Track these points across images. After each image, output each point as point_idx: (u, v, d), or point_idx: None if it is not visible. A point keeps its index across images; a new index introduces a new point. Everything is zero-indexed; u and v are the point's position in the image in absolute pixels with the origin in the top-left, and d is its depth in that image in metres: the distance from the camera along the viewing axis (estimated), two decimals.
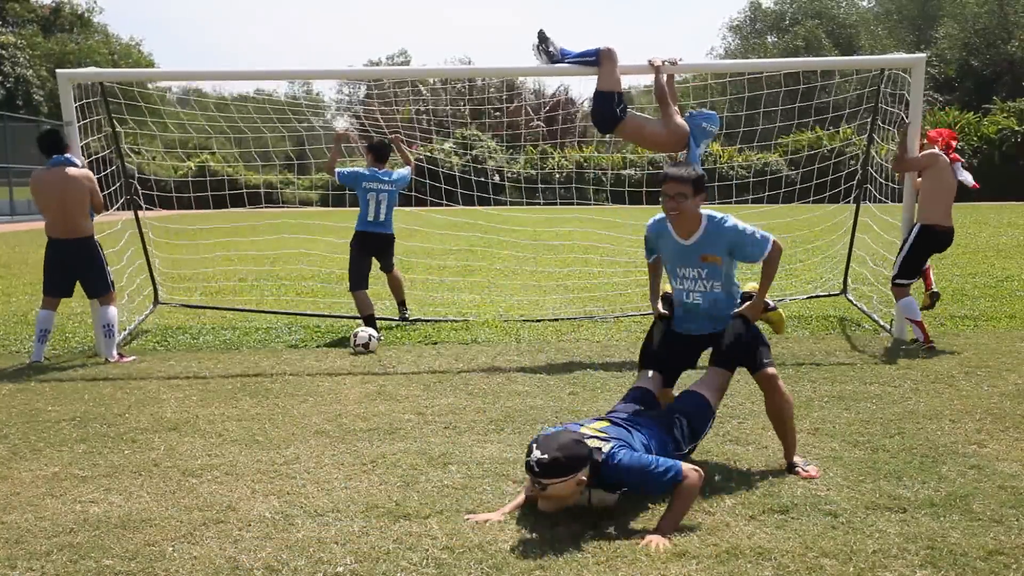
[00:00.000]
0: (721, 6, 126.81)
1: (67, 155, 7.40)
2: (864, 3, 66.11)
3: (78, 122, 7.67)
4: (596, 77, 7.20)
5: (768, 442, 4.78)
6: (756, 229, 4.39)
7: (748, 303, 4.49)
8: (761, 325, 4.67)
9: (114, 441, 5.06)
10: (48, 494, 4.21)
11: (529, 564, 3.34)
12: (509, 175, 30.93)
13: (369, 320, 8.27)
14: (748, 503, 3.95)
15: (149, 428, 5.32)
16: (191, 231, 12.26)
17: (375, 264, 8.73)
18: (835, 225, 10.90)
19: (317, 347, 7.96)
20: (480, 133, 29.64)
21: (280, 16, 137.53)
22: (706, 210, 4.43)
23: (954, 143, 7.70)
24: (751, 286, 4.75)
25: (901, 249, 7.64)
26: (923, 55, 7.94)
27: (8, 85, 43.00)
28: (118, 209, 8.91)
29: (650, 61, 7.37)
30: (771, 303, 4.66)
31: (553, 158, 29.89)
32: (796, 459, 4.39)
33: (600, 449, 3.76)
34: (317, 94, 55.87)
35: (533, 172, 31.73)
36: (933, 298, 8.07)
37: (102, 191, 7.74)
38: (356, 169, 8.71)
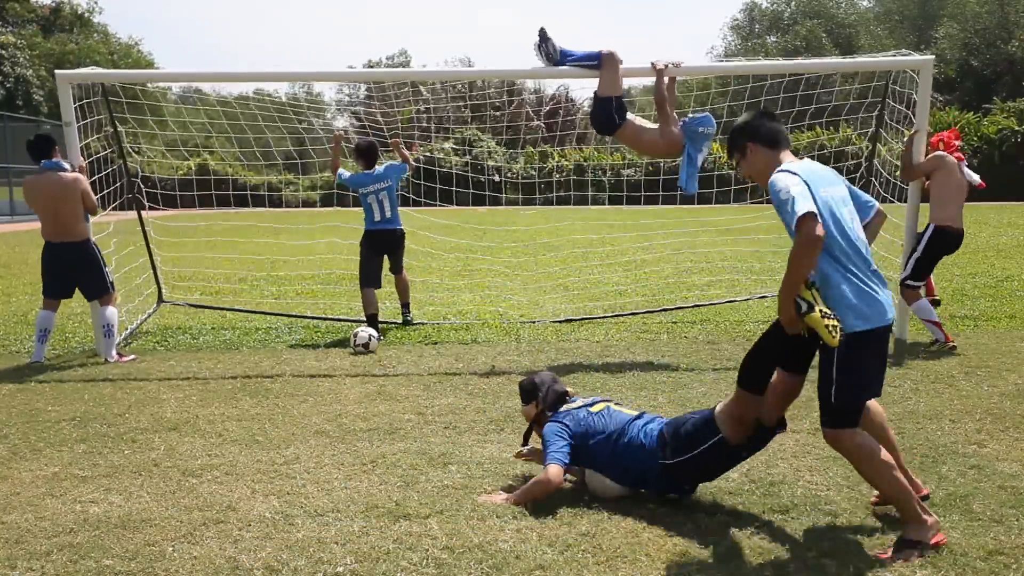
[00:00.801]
0: (721, 6, 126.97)
1: (56, 159, 7.41)
2: (864, 3, 66.11)
3: (78, 122, 7.67)
4: (597, 80, 7.21)
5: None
6: (796, 197, 3.39)
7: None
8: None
9: (114, 441, 5.06)
10: (48, 494, 4.21)
11: (529, 564, 3.34)
12: (509, 175, 30.91)
13: (371, 319, 8.29)
14: (748, 503, 3.96)
15: (149, 428, 5.32)
16: (191, 230, 12.26)
17: (384, 264, 8.73)
18: None
19: (317, 347, 7.96)
20: (480, 133, 29.63)
21: (280, 16, 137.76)
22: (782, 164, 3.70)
23: (957, 142, 7.67)
24: None
25: (914, 250, 7.54)
26: (931, 56, 7.89)
27: (8, 85, 42.93)
28: (117, 209, 8.90)
29: (653, 63, 7.37)
30: (804, 304, 3.43)
31: (553, 158, 29.85)
32: (908, 531, 3.46)
33: (573, 400, 4.34)
34: (318, 94, 55.90)
35: (533, 172, 31.76)
36: (933, 305, 8.04)
37: (102, 191, 7.73)
38: (353, 175, 8.71)
